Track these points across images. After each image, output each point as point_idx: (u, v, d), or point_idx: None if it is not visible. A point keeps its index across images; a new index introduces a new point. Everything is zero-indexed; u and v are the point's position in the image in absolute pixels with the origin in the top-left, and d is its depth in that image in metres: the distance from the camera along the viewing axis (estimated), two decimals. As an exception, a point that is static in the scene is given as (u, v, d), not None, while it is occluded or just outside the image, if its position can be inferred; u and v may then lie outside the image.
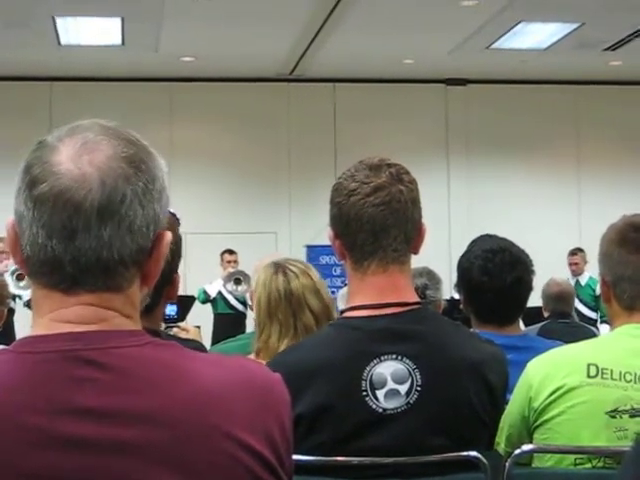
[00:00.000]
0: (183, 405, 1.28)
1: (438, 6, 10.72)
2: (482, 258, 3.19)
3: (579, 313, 10.64)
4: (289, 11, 10.79)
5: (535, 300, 4.63)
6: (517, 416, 2.47)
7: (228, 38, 11.79)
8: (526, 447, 2.39)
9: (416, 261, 2.47)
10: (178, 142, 13.83)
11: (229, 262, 12.15)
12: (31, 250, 1.33)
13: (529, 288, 3.26)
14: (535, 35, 11.96)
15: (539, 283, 4.37)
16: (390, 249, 2.26)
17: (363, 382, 2.17)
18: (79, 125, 1.37)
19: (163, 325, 4.82)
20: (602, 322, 10.72)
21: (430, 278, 4.59)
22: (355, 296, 2.31)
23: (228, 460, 1.29)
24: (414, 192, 2.30)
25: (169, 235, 1.39)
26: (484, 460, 2.20)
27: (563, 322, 6.35)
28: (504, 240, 3.30)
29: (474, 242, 3.33)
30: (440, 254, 11.34)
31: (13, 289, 8.52)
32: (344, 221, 2.28)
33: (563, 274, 9.88)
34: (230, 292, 11.95)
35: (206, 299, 12.01)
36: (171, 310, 5.07)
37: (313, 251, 13.40)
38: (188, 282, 12.62)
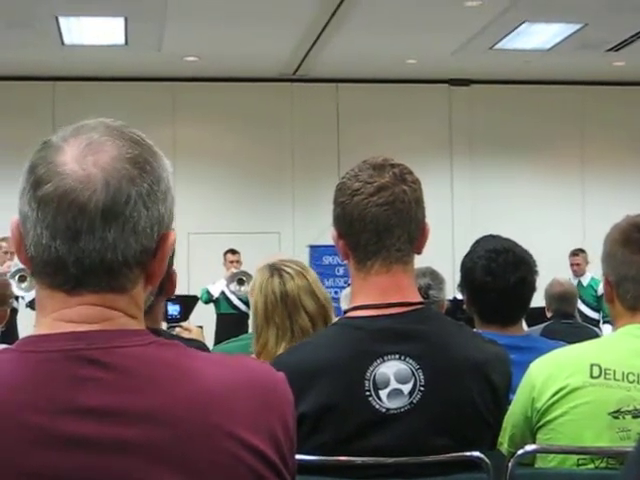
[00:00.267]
0: (185, 404, 1.28)
1: (442, 6, 10.71)
2: (486, 258, 3.19)
3: (581, 314, 10.63)
4: (292, 11, 10.79)
5: (538, 300, 4.63)
6: (520, 416, 2.48)
7: (231, 38, 11.79)
8: (529, 447, 2.39)
9: (419, 261, 2.47)
10: (181, 142, 13.84)
11: (232, 262, 12.15)
12: (35, 250, 1.32)
13: (532, 288, 3.25)
14: (539, 35, 11.96)
15: (543, 283, 4.37)
16: (393, 249, 2.26)
17: (366, 382, 2.17)
18: (84, 125, 1.37)
19: (165, 325, 4.83)
20: (604, 322, 10.72)
21: (433, 278, 4.59)
22: (358, 296, 2.31)
23: (230, 459, 1.29)
24: (417, 192, 2.30)
25: (173, 236, 1.39)
26: (487, 460, 2.20)
27: (566, 322, 6.34)
28: (508, 240, 3.30)
29: (478, 242, 3.33)
30: (443, 254, 11.33)
31: (15, 290, 8.53)
32: (347, 221, 2.28)
33: (567, 274, 9.89)
34: (233, 292, 11.95)
35: (209, 299, 12.01)
36: (174, 310, 5.08)
37: (316, 251, 13.38)
38: (191, 282, 12.64)
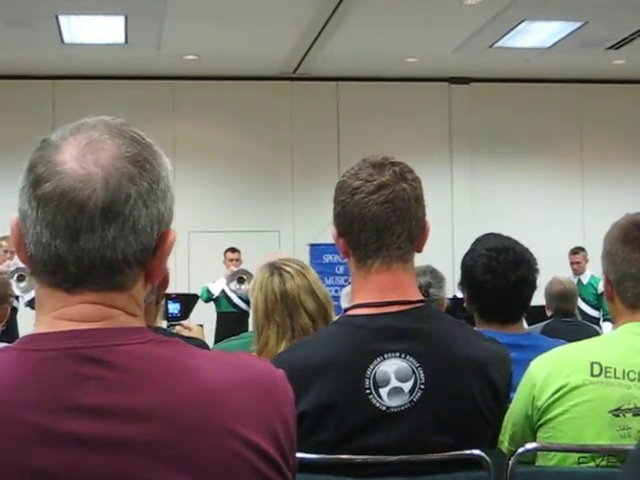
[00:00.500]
0: (186, 402, 1.28)
1: (441, 4, 10.72)
2: (486, 256, 3.19)
3: (581, 312, 10.64)
4: (292, 9, 10.79)
5: (538, 299, 4.62)
6: (520, 414, 2.48)
7: (231, 36, 11.79)
8: (529, 445, 2.39)
9: (419, 260, 2.46)
10: (181, 140, 13.84)
11: (232, 260, 12.15)
12: (35, 249, 1.32)
13: (533, 287, 3.25)
14: (538, 34, 11.95)
15: (543, 282, 4.36)
16: (394, 247, 2.26)
17: (366, 380, 2.17)
18: (83, 123, 1.37)
19: (166, 323, 4.84)
20: (605, 320, 10.73)
21: (433, 277, 4.59)
22: (358, 294, 2.31)
23: (231, 457, 1.29)
24: (418, 190, 2.30)
25: (173, 234, 1.39)
26: (487, 458, 2.20)
27: (566, 321, 6.34)
28: (508, 239, 3.30)
29: (478, 240, 3.33)
30: (443, 253, 11.33)
31: (14, 290, 8.53)
32: (348, 219, 2.27)
33: (567, 273, 9.89)
34: (233, 291, 11.95)
35: (209, 297, 12.01)
36: (174, 308, 5.08)
37: (316, 249, 13.38)
38: (191, 280, 12.65)
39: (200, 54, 12.81)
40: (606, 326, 9.55)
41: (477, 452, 2.20)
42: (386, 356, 2.19)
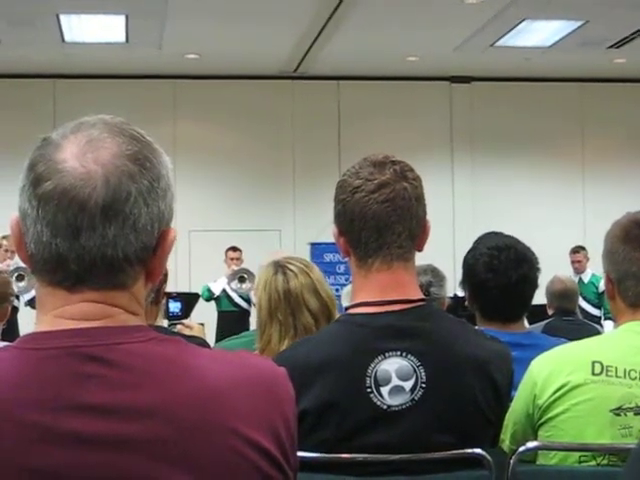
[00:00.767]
0: (187, 401, 1.28)
1: (442, 3, 10.72)
2: (487, 255, 3.19)
3: (582, 311, 10.63)
4: (293, 8, 10.79)
5: (540, 298, 4.62)
6: (521, 413, 2.47)
7: (232, 35, 11.79)
8: (530, 444, 2.39)
9: (420, 258, 2.46)
10: (182, 140, 13.83)
11: (233, 259, 12.15)
12: (35, 248, 1.32)
13: (534, 286, 3.25)
14: (539, 33, 11.95)
15: (544, 281, 4.36)
16: (394, 246, 2.26)
17: (367, 379, 2.17)
18: (83, 122, 1.37)
19: (167, 322, 4.84)
20: (606, 319, 10.73)
21: (434, 275, 4.59)
22: (359, 293, 2.31)
23: (233, 456, 1.29)
24: (418, 189, 2.29)
25: (173, 233, 1.39)
26: (488, 457, 2.20)
27: (567, 320, 6.33)
28: (510, 237, 3.29)
29: (480, 239, 3.33)
30: (444, 252, 11.33)
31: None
32: (348, 218, 2.27)
33: (567, 272, 9.88)
34: (235, 290, 11.95)
35: (210, 297, 12.00)
36: (175, 307, 5.07)
37: (317, 248, 13.38)
38: (192, 279, 12.65)
39: (201, 53, 12.81)
40: (607, 325, 9.54)
41: (478, 451, 2.20)
42: (387, 355, 2.18)
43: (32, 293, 9.24)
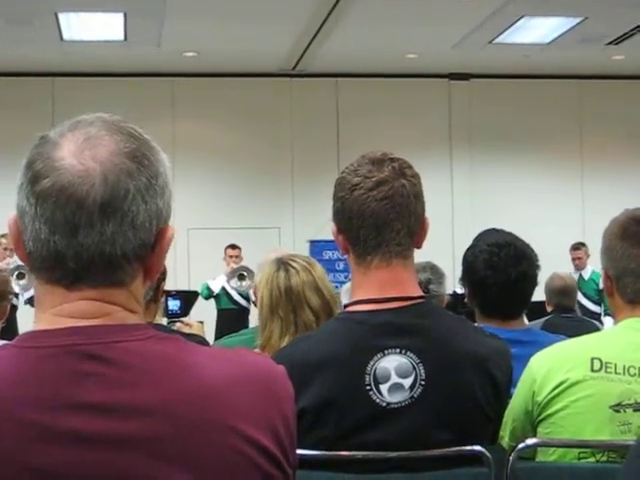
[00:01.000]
0: (186, 399, 1.28)
1: (441, 0, 10.71)
2: (487, 252, 3.19)
3: (583, 307, 10.66)
4: (291, 6, 10.78)
5: (539, 295, 4.62)
6: (521, 410, 2.48)
7: (230, 33, 11.78)
8: (530, 441, 2.39)
9: (419, 256, 2.46)
10: (180, 137, 13.83)
11: (232, 257, 12.15)
12: (34, 246, 1.32)
13: (534, 283, 3.25)
14: (538, 29, 11.94)
15: (543, 278, 4.36)
16: (393, 243, 2.26)
17: (367, 376, 2.17)
18: (81, 120, 1.37)
19: (166, 320, 4.84)
20: (606, 315, 10.73)
21: (433, 273, 4.59)
22: (358, 290, 2.31)
23: (232, 454, 1.29)
24: (417, 186, 2.29)
25: (171, 230, 1.39)
26: (488, 454, 2.20)
27: (566, 316, 6.34)
28: (509, 234, 3.29)
29: (479, 236, 3.33)
30: (443, 249, 11.32)
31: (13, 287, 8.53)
32: (347, 216, 2.27)
33: (567, 269, 9.88)
34: (234, 288, 11.94)
35: (209, 294, 12.00)
36: (174, 305, 5.07)
37: (316, 246, 13.38)
38: (191, 277, 12.64)
39: (199, 51, 12.80)
40: (607, 321, 9.54)
41: (477, 448, 2.20)
42: (386, 352, 2.18)
43: (32, 292, 9.24)
